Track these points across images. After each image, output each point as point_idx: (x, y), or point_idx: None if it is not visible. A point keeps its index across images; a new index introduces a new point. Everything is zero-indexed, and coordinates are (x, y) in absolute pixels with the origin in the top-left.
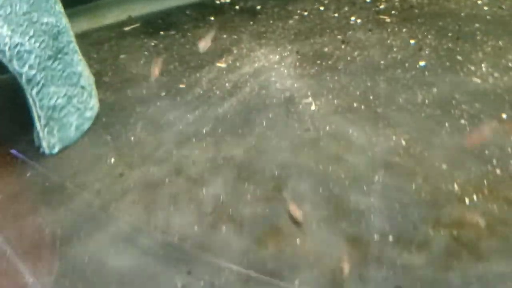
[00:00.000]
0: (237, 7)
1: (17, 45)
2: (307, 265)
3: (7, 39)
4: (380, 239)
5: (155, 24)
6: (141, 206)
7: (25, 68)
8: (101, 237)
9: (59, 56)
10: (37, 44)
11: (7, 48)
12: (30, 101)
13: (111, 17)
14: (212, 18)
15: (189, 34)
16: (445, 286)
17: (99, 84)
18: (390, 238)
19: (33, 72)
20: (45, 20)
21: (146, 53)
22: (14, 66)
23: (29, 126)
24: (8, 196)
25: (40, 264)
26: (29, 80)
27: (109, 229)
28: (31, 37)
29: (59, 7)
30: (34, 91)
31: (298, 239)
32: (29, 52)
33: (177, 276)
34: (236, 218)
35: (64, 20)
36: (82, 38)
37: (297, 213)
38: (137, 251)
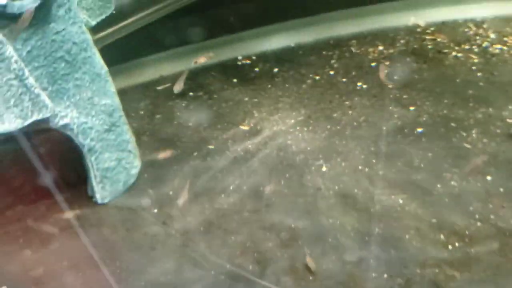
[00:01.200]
0: (256, 69)
1: (82, 123)
2: None
3: (75, 120)
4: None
5: (184, 85)
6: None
7: (87, 141)
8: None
9: (113, 128)
10: (97, 122)
11: (75, 126)
12: (89, 165)
13: (144, 76)
14: (235, 80)
15: (215, 95)
16: None
17: (138, 143)
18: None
19: (93, 143)
20: (103, 102)
21: (178, 114)
22: (79, 139)
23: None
24: (70, 236)
25: None
26: (89, 150)
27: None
28: (92, 116)
29: (113, 88)
30: (93, 158)
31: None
32: (91, 128)
33: None
34: (260, 261)
35: (116, 99)
36: (120, 95)
37: (313, 264)
38: None
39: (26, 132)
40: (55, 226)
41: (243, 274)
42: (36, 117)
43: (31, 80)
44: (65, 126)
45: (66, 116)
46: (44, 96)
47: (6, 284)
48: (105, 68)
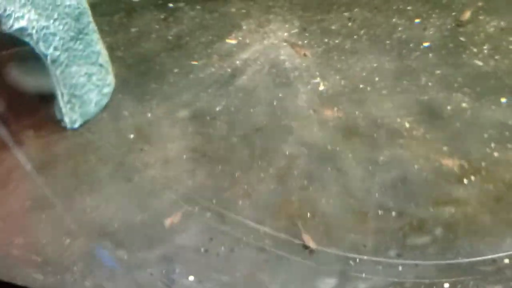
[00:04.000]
0: None
1: (43, 28)
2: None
3: (34, 23)
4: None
5: None
6: (162, 180)
7: (50, 50)
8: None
9: (80, 36)
10: (61, 27)
11: (34, 31)
12: (54, 80)
13: None
14: None
15: (198, 6)
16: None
17: (112, 58)
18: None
19: (57, 53)
20: (68, 2)
21: (157, 26)
22: (41, 48)
23: (50, 99)
24: (36, 166)
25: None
26: (53, 61)
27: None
28: (55, 20)
29: None
30: (58, 71)
31: (308, 213)
32: (54, 34)
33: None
34: (251, 194)
35: (84, 1)
36: (92, 8)
37: (310, 242)
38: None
39: None
40: (16, 159)
41: (229, 213)
42: None
43: None
44: (22, 30)
45: (22, 17)
46: None
47: None
48: None
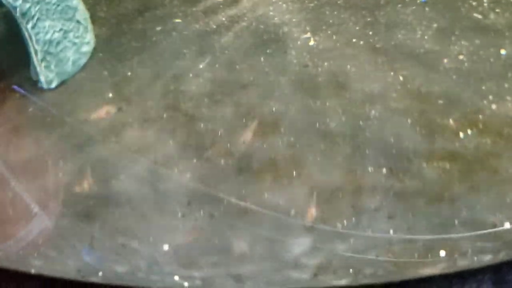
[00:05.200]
0: None
1: None
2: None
3: None
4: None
5: None
6: (141, 141)
7: (19, 1)
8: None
9: None
10: None
11: None
12: (26, 35)
13: None
14: None
15: None
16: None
17: (94, 19)
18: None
19: (27, 5)
20: None
21: None
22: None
23: (26, 60)
24: (9, 129)
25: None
26: (23, 14)
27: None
28: None
29: None
30: (29, 25)
31: (294, 172)
32: None
33: (178, 206)
34: (234, 152)
35: None
36: None
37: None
38: (142, 180)
39: None
40: None
41: (214, 171)
42: None
43: None
44: None
45: None
46: None
47: None
48: None
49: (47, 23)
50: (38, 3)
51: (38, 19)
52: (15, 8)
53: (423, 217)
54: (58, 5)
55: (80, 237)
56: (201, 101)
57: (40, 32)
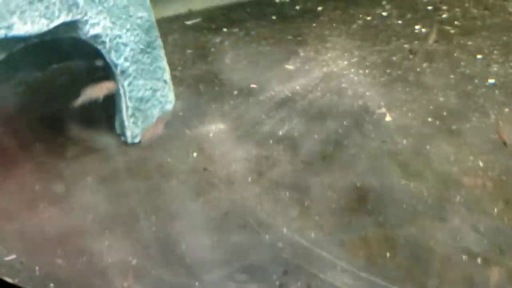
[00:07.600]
0: (297, 7)
1: (116, 37)
2: None
3: (108, 31)
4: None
5: (217, 20)
6: (227, 201)
7: (121, 60)
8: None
9: (149, 50)
10: (132, 37)
11: (107, 39)
12: (121, 91)
13: (172, 9)
14: (273, 17)
15: (252, 32)
16: None
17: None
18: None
19: (127, 64)
20: (140, 14)
21: (212, 49)
22: (112, 57)
23: (107, 115)
24: (98, 180)
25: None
26: (122, 72)
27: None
28: (127, 30)
29: (149, 2)
30: (126, 83)
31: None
32: (125, 44)
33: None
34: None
35: (153, 15)
36: None
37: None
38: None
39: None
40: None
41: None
42: (64, 18)
43: None
44: (96, 37)
45: (97, 23)
46: None
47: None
48: None
49: (141, 82)
50: (135, 62)
51: (134, 77)
52: (116, 65)
53: None
54: (151, 65)
55: None
56: (284, 168)
57: (134, 90)
